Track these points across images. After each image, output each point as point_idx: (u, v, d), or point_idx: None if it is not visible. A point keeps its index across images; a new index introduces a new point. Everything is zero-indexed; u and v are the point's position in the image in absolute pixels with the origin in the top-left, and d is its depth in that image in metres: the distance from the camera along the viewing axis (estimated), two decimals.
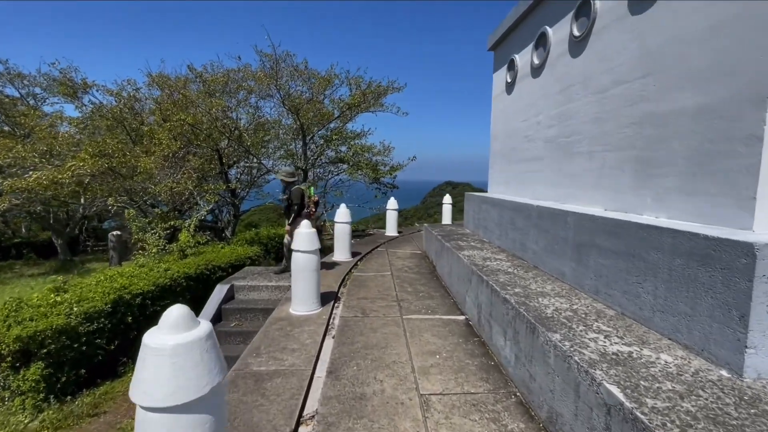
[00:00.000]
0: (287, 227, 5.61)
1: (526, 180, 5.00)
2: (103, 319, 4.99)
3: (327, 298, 4.61)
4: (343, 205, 6.85)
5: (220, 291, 5.22)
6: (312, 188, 5.87)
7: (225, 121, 11.53)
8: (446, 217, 12.46)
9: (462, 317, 4.10)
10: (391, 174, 10.98)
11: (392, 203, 9.86)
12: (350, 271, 6.16)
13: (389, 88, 10.11)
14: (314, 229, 4.25)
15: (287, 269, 5.61)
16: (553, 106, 4.27)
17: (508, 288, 3.20)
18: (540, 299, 2.92)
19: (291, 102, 10.26)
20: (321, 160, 12.63)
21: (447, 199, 12.48)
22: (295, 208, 5.49)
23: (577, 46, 3.78)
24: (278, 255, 12.76)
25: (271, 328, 3.74)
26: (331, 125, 12.35)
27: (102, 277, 6.09)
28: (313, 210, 5.62)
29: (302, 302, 4.16)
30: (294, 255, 4.17)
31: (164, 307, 6.25)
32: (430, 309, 4.36)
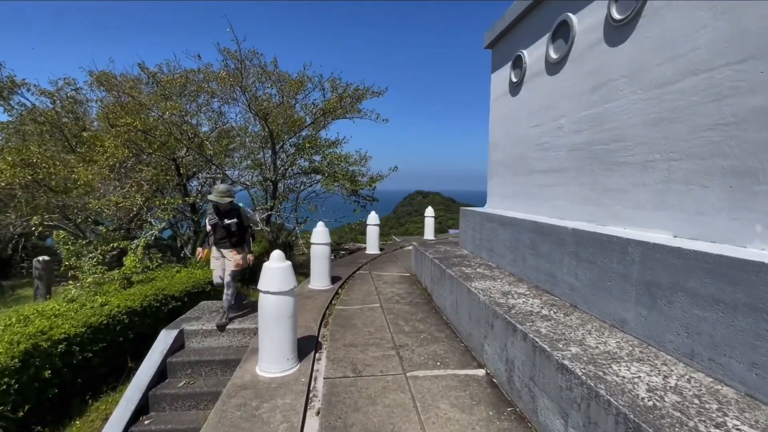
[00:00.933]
0: (233, 257, 4.28)
1: (541, 195, 4.24)
2: (6, 379, 3.74)
3: (305, 346, 3.60)
4: (320, 224, 5.86)
5: (165, 338, 4.08)
6: (241, 205, 4.72)
7: (183, 127, 10.27)
8: (429, 231, 11.68)
9: (481, 372, 3.22)
10: (370, 185, 10.08)
11: (373, 218, 8.95)
12: (331, 302, 5.16)
13: (368, 92, 9.27)
14: (288, 262, 3.27)
15: (228, 318, 4.43)
16: (581, 107, 3.54)
17: (559, 344, 2.36)
18: (614, 366, 2.09)
19: (258, 106, 9.19)
20: (292, 170, 11.56)
21: (429, 211, 11.71)
22: (249, 232, 4.51)
23: (617, 32, 3.06)
24: (243, 278, 11.49)
25: (229, 406, 2.69)
26: (303, 133, 11.35)
27: (14, 319, 4.78)
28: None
29: (273, 360, 3.14)
30: (262, 299, 3.16)
31: (99, 353, 4.75)
32: (439, 359, 3.45)
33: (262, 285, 3.13)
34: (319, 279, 5.82)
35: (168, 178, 11.65)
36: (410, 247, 9.82)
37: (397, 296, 5.42)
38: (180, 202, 8.79)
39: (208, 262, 4.77)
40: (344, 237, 21.16)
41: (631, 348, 2.31)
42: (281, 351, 3.14)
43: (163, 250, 14.74)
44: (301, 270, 12.69)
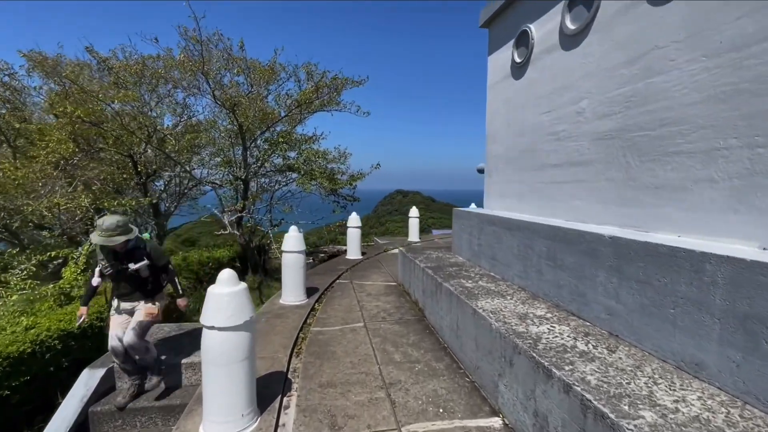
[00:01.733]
0: (145, 310, 3.14)
1: (555, 194, 3.57)
2: None
3: (269, 388, 2.80)
4: (293, 229, 5.03)
5: (87, 381, 3.17)
6: (147, 234, 3.51)
7: (140, 119, 9.19)
8: (413, 232, 10.99)
9: (497, 421, 2.50)
10: (350, 184, 9.28)
11: (354, 220, 8.16)
12: (306, 322, 4.36)
13: (347, 81, 8.46)
14: (243, 285, 2.46)
15: (136, 391, 3.19)
16: (611, 86, 2.87)
17: (622, 404, 1.66)
18: None
19: (224, 95, 8.24)
20: (265, 168, 10.63)
21: (414, 212, 11.03)
22: (172, 273, 3.44)
23: None
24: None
25: None
26: (278, 129, 10.45)
27: None
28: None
29: (222, 417, 2.32)
30: (206, 337, 2.33)
31: (20, 388, 3.42)
32: (441, 403, 2.71)
33: (205, 318, 2.31)
34: (293, 292, 5.00)
35: (126, 176, 10.54)
36: (395, 251, 9.09)
37: (384, 312, 4.66)
38: (133, 203, 7.73)
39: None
40: (323, 238, 20.22)
41: (726, 411, 1.63)
42: (233, 405, 2.33)
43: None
44: (277, 276, 11.74)
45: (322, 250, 15.96)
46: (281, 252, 5.09)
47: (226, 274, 2.38)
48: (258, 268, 12.86)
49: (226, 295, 2.30)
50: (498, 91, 4.67)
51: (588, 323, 2.66)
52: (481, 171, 12.34)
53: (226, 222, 9.17)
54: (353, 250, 8.17)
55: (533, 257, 3.34)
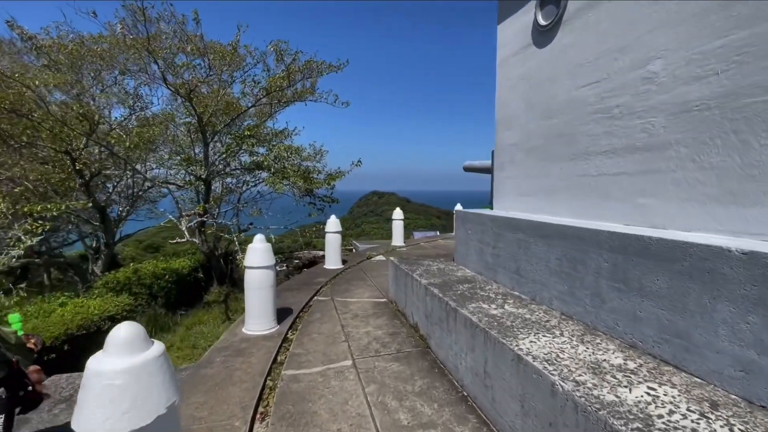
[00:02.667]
0: None
1: (609, 189, 2.72)
2: None
3: None
4: (258, 239, 3.95)
5: None
6: (15, 317, 2.23)
7: (78, 108, 7.81)
8: (398, 235, 10.06)
9: None
10: (328, 184, 8.24)
11: (333, 224, 7.13)
12: (276, 360, 3.32)
13: (323, 66, 7.42)
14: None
15: None
16: (707, 35, 2.03)
17: None
18: None
19: (179, 82, 7.04)
20: (231, 166, 9.42)
21: (398, 213, 10.09)
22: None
23: None
24: (168, 301, 9.17)
25: None
26: (246, 123, 9.29)
27: None
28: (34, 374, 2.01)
29: None
30: None
31: None
32: None
33: (79, 421, 1.26)
34: (259, 319, 3.94)
35: (63, 176, 9.06)
36: (379, 258, 8.13)
37: (376, 342, 3.67)
38: (62, 208, 6.40)
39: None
40: (297, 242, 19.00)
41: None
42: None
43: (63, 269, 11.85)
44: (231, 295, 10.47)
45: (297, 256, 14.74)
46: (244, 268, 4.01)
47: (123, 334, 1.33)
48: (224, 279, 11.59)
49: (119, 375, 1.26)
50: (513, 65, 3.80)
51: (700, 380, 1.79)
52: (468, 169, 11.56)
53: (184, 228, 7.93)
54: (333, 258, 7.14)
55: (586, 276, 2.46)
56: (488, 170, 11.28)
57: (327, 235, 7.13)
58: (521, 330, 2.41)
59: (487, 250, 3.73)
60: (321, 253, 15.25)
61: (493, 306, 2.90)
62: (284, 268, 13.78)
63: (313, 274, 6.72)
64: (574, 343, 2.21)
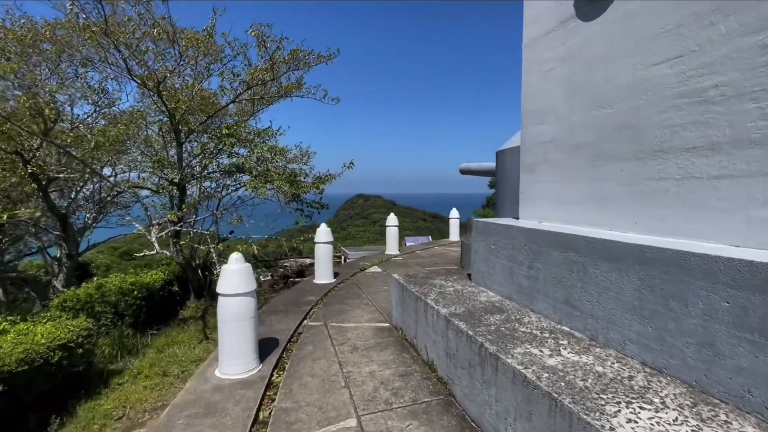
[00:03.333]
0: None
1: (703, 197, 2.06)
2: None
3: None
4: (235, 259, 3.15)
5: None
6: None
7: (27, 101, 6.85)
8: (392, 243, 9.34)
9: None
10: (317, 188, 7.46)
11: (324, 233, 6.35)
12: (257, 419, 2.55)
13: (311, 56, 6.64)
14: None
15: None
16: None
17: None
18: None
19: (148, 75, 6.17)
20: (210, 168, 8.54)
21: (392, 220, 9.38)
22: None
23: None
24: (137, 321, 8.22)
25: None
26: (225, 122, 8.44)
27: None
28: None
29: None
30: None
31: None
32: None
33: None
34: (236, 359, 3.14)
35: (14, 181, 8.04)
36: (374, 269, 7.39)
37: (385, 387, 2.93)
38: (3, 217, 5.45)
39: None
40: (282, 247, 17.91)
41: None
42: None
43: (17, 285, 10.71)
44: (204, 322, 9.65)
45: (282, 264, 13.83)
46: (219, 294, 3.22)
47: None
48: (202, 292, 10.64)
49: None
50: (547, 46, 3.13)
51: None
52: (465, 172, 10.95)
53: (153, 239, 7.02)
54: (323, 271, 6.35)
55: (686, 317, 1.79)
56: (488, 173, 10.66)
57: (317, 246, 6.35)
58: (603, 395, 1.71)
59: (519, 270, 3.04)
60: (308, 261, 14.38)
61: (546, 351, 2.20)
62: (268, 277, 12.88)
63: (301, 290, 5.92)
64: (693, 422, 1.52)
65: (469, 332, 2.51)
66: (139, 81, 6.20)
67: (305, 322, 4.51)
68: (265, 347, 3.60)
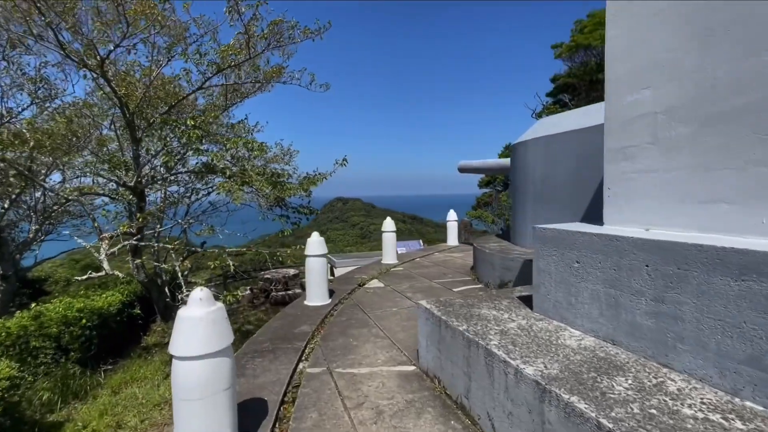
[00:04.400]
0: None
1: None
2: None
3: None
4: (196, 298, 2.00)
5: None
6: None
7: None
8: (390, 251, 8.25)
9: None
10: (304, 190, 6.31)
11: (316, 245, 5.20)
12: None
13: (297, 28, 5.48)
14: None
15: None
16: None
17: None
18: None
19: (87, 49, 4.89)
20: (175, 169, 7.25)
21: (389, 224, 8.30)
22: None
23: None
24: (87, 355, 6.83)
25: None
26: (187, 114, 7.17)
27: None
28: None
29: None
30: None
31: None
32: None
33: None
34: None
35: None
36: (375, 283, 6.29)
37: None
38: None
39: None
40: (260, 254, 16.64)
41: None
42: None
43: None
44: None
45: (262, 277, 12.46)
46: (179, 357, 2.06)
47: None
48: (170, 313, 9.23)
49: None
50: None
51: None
52: (463, 170, 10.02)
53: (103, 256, 5.69)
54: (317, 291, 5.21)
55: None
56: (495, 170, 9.74)
57: (308, 261, 5.20)
58: None
59: (633, 303, 2.04)
60: (292, 271, 13.05)
61: None
62: (247, 292, 11.54)
63: (291, 317, 4.75)
64: None
65: (605, 423, 1.47)
66: (76, 60, 4.91)
67: (301, 366, 3.38)
68: (246, 417, 2.46)
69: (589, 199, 4.68)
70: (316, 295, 5.22)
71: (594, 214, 4.65)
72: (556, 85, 15.95)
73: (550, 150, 5.21)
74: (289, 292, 10.71)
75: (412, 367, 3.24)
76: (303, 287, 12.22)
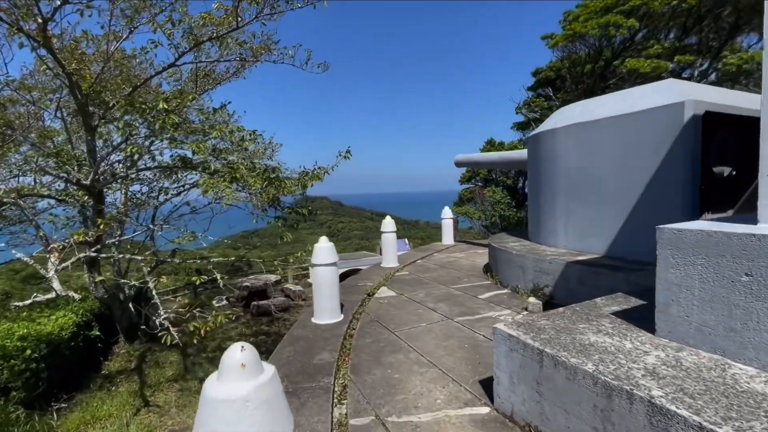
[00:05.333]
0: None
1: None
2: None
3: None
4: (232, 369, 1.20)
5: None
6: None
7: None
8: (390, 253, 7.52)
9: None
10: (303, 187, 5.42)
11: (326, 251, 4.34)
12: None
13: None
14: None
15: None
16: None
17: None
18: None
19: (23, 9, 3.78)
20: (145, 163, 6.15)
21: (389, 224, 7.55)
22: None
23: None
24: (35, 390, 5.62)
25: None
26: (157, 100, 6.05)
27: None
28: None
29: None
30: None
31: None
32: None
33: None
34: None
35: None
36: (385, 292, 5.51)
37: None
38: None
39: None
40: (241, 259, 15.47)
41: None
42: None
43: None
44: (174, 341, 7.60)
45: (240, 284, 11.30)
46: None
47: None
48: (136, 331, 8.08)
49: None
50: None
51: None
52: (461, 164, 9.43)
53: (51, 273, 4.55)
54: (327, 306, 4.37)
55: None
56: (492, 164, 9.20)
57: (316, 271, 4.35)
58: None
59: None
60: (273, 277, 11.96)
61: None
62: (223, 302, 10.39)
63: (303, 341, 3.90)
64: None
65: None
66: (8, 21, 3.77)
67: (338, 414, 2.59)
68: None
69: (638, 193, 4.18)
70: (326, 311, 4.40)
71: (648, 210, 4.18)
72: (537, 79, 15.82)
73: (586, 139, 4.68)
74: (273, 301, 9.70)
75: (486, 409, 2.54)
76: (287, 295, 11.21)
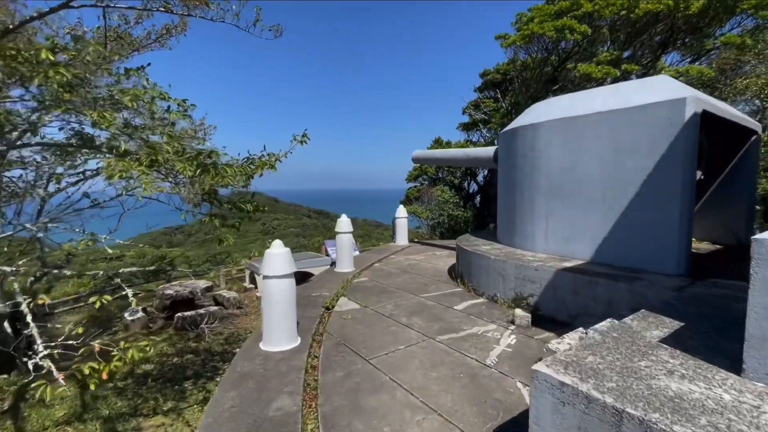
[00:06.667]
0: None
1: None
2: None
3: None
4: None
5: None
6: None
7: None
8: (346, 256, 6.66)
9: None
10: (247, 177, 4.36)
11: (281, 259, 3.38)
12: None
13: None
14: None
15: None
16: None
17: None
18: None
19: None
20: (26, 139, 4.61)
21: (345, 224, 6.69)
22: None
23: None
24: None
25: None
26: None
27: None
28: None
29: None
30: None
31: None
32: None
33: None
34: None
35: None
36: (345, 304, 4.68)
37: None
38: None
39: None
40: (146, 256, 13.93)
41: None
42: None
43: None
44: (66, 360, 5.79)
45: (162, 292, 9.58)
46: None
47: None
48: (13, 358, 6.35)
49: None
50: None
51: None
52: (418, 160, 8.88)
53: None
54: (283, 327, 3.42)
55: None
56: (453, 161, 8.74)
57: (268, 283, 3.39)
58: None
59: None
60: (203, 283, 10.36)
61: None
62: (138, 315, 8.69)
63: (252, 380, 2.94)
64: None
65: None
66: None
67: None
68: None
69: (630, 194, 3.87)
70: (281, 335, 3.46)
71: (642, 212, 3.88)
72: (484, 81, 15.96)
73: (573, 135, 4.31)
74: (201, 311, 8.28)
75: None
76: (220, 303, 9.77)
